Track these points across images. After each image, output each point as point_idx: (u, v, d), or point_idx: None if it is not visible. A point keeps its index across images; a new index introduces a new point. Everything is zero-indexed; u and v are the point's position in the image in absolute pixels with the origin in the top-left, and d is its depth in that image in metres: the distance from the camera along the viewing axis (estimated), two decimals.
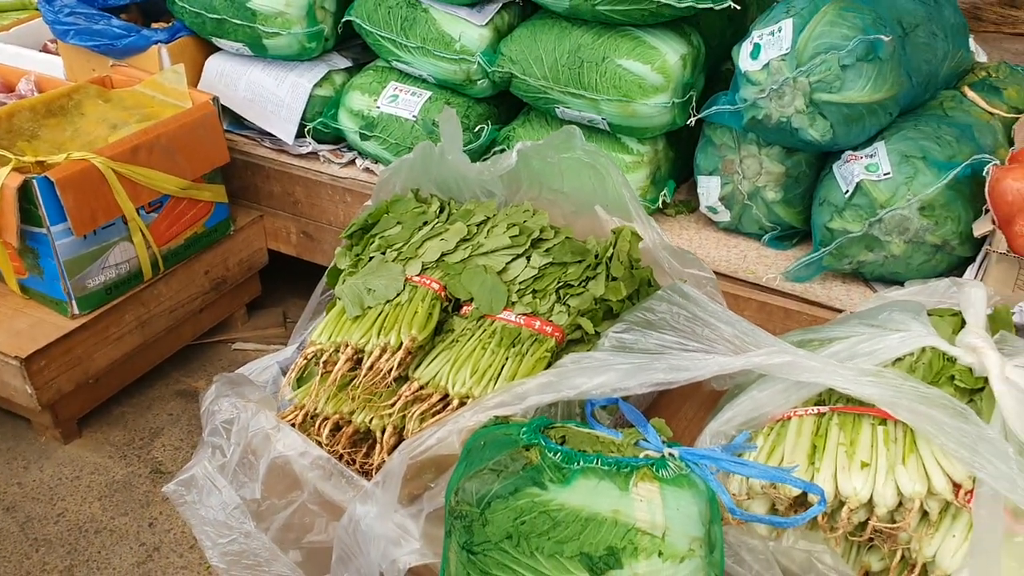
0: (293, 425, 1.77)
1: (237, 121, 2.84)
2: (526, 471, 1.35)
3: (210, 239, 2.70)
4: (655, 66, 2.12)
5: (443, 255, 1.86)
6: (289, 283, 3.10)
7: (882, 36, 1.82)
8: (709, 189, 2.26)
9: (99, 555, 2.17)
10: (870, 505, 1.35)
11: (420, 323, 1.74)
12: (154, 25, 2.88)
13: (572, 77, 2.18)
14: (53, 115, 2.57)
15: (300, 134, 2.70)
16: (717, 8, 2.04)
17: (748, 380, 1.65)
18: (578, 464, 1.34)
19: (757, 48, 1.98)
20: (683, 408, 1.90)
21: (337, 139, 2.72)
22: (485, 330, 1.74)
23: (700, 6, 2.04)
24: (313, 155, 2.72)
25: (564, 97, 2.22)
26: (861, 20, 1.87)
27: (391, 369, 1.68)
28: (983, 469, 1.27)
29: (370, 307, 1.80)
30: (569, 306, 1.74)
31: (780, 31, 1.94)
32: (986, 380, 1.44)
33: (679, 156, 2.40)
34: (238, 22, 2.55)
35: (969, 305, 1.58)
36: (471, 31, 2.34)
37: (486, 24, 2.35)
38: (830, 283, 2.13)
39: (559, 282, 1.77)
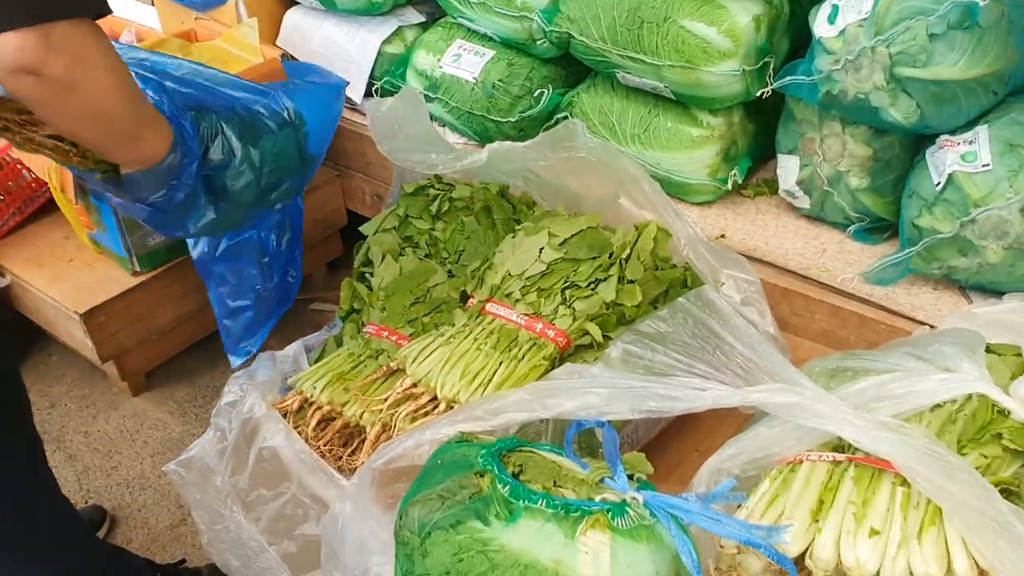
0: (286, 413, 1.70)
1: None
2: (472, 502, 1.21)
3: None
4: (722, 28, 1.85)
5: None
6: None
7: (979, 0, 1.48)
8: (787, 170, 1.98)
9: (138, 514, 2.22)
10: None
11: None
12: None
13: (631, 39, 1.94)
14: None
15: (371, 92, 2.60)
16: None
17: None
18: (524, 502, 1.19)
19: (835, 10, 1.68)
20: (720, 427, 1.68)
21: None
22: (483, 328, 1.59)
23: None
24: None
25: (623, 61, 1.99)
26: None
27: None
28: (1003, 569, 1.01)
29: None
30: (575, 309, 1.56)
31: None
32: None
33: (762, 130, 2.12)
34: None
35: None
36: None
37: None
38: (918, 289, 1.82)
39: (566, 281, 1.59)
